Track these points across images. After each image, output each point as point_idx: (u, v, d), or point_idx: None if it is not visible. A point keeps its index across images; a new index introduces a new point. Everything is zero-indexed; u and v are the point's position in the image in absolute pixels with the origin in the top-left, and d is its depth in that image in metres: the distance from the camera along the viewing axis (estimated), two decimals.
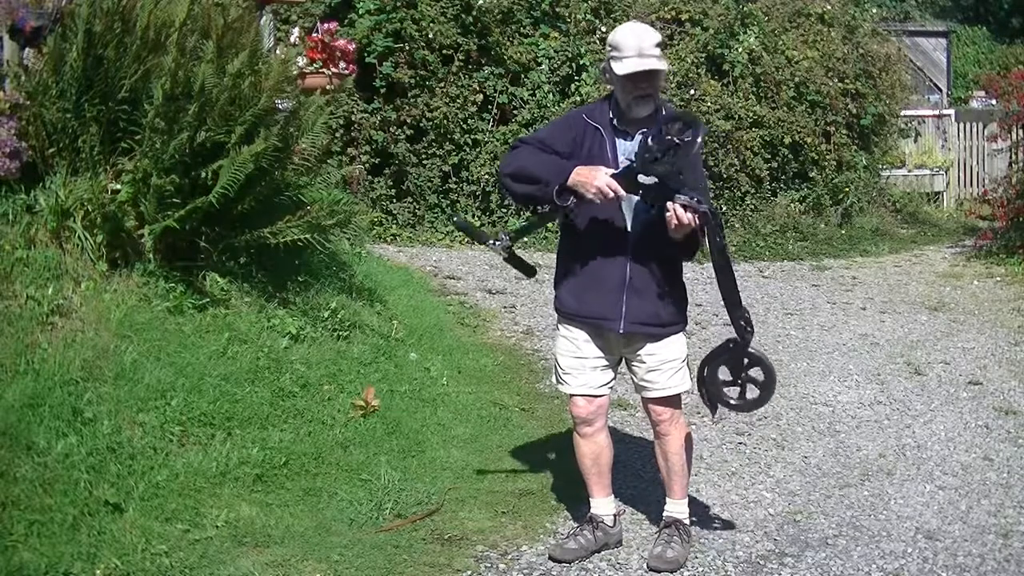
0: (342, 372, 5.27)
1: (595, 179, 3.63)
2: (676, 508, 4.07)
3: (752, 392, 3.88)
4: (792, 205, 11.30)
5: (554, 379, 4.15)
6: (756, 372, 3.85)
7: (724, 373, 3.91)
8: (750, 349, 3.80)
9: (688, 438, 4.09)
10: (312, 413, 4.82)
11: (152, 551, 3.65)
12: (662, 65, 3.74)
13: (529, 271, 4.11)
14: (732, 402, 3.92)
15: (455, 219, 4.25)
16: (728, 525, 4.35)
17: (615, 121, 3.83)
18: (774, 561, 4.03)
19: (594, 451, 4.07)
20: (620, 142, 3.80)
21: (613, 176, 3.65)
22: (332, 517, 4.16)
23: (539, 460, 4.93)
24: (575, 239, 3.88)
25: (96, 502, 3.77)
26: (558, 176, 3.69)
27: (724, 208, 10.75)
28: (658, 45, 3.74)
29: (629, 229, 3.79)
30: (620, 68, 3.72)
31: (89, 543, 3.59)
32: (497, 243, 3.92)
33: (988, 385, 6.34)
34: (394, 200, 9.83)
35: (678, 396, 4.00)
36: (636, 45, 3.70)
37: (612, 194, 3.63)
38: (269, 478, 4.29)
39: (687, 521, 4.10)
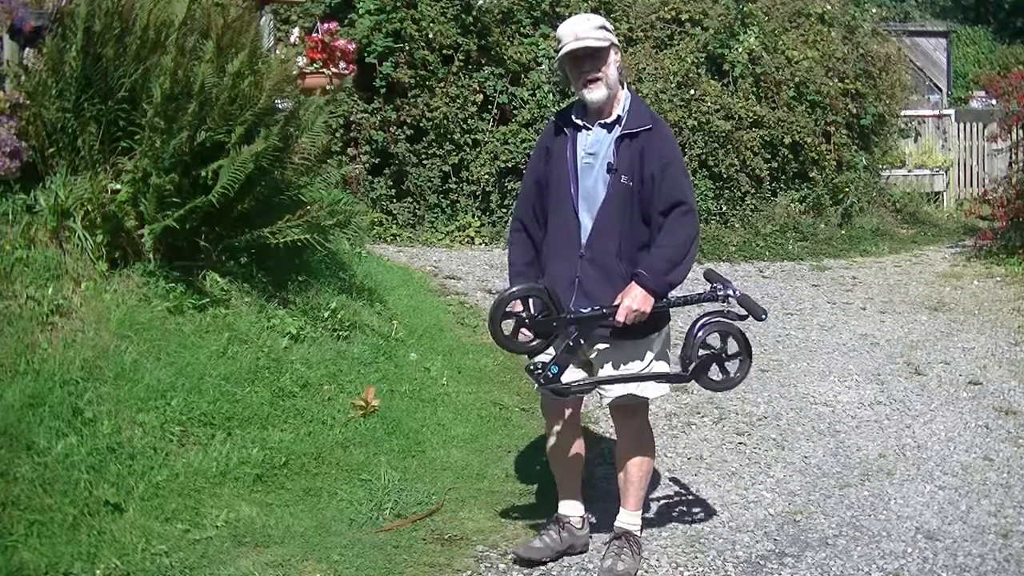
0: (342, 372, 5.27)
1: None
2: (628, 519, 3.97)
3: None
4: (792, 205, 11.29)
5: None
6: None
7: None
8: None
9: (651, 449, 4.00)
10: (312, 413, 4.82)
11: (152, 551, 3.65)
12: (598, 43, 3.71)
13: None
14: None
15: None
16: (728, 525, 4.35)
17: (574, 116, 3.85)
18: (774, 561, 4.03)
19: (563, 451, 4.02)
20: (580, 135, 3.82)
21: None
22: (332, 517, 4.16)
23: (539, 460, 4.92)
24: (546, 239, 3.89)
25: (96, 502, 3.77)
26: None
27: (724, 208, 10.76)
28: (601, 28, 3.74)
29: (582, 229, 3.78)
30: (559, 54, 3.78)
31: (89, 543, 3.59)
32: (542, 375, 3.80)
33: (988, 385, 6.34)
34: (394, 200, 9.82)
35: (641, 404, 3.90)
36: (572, 32, 3.74)
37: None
38: (269, 478, 4.29)
39: (638, 533, 3.98)
